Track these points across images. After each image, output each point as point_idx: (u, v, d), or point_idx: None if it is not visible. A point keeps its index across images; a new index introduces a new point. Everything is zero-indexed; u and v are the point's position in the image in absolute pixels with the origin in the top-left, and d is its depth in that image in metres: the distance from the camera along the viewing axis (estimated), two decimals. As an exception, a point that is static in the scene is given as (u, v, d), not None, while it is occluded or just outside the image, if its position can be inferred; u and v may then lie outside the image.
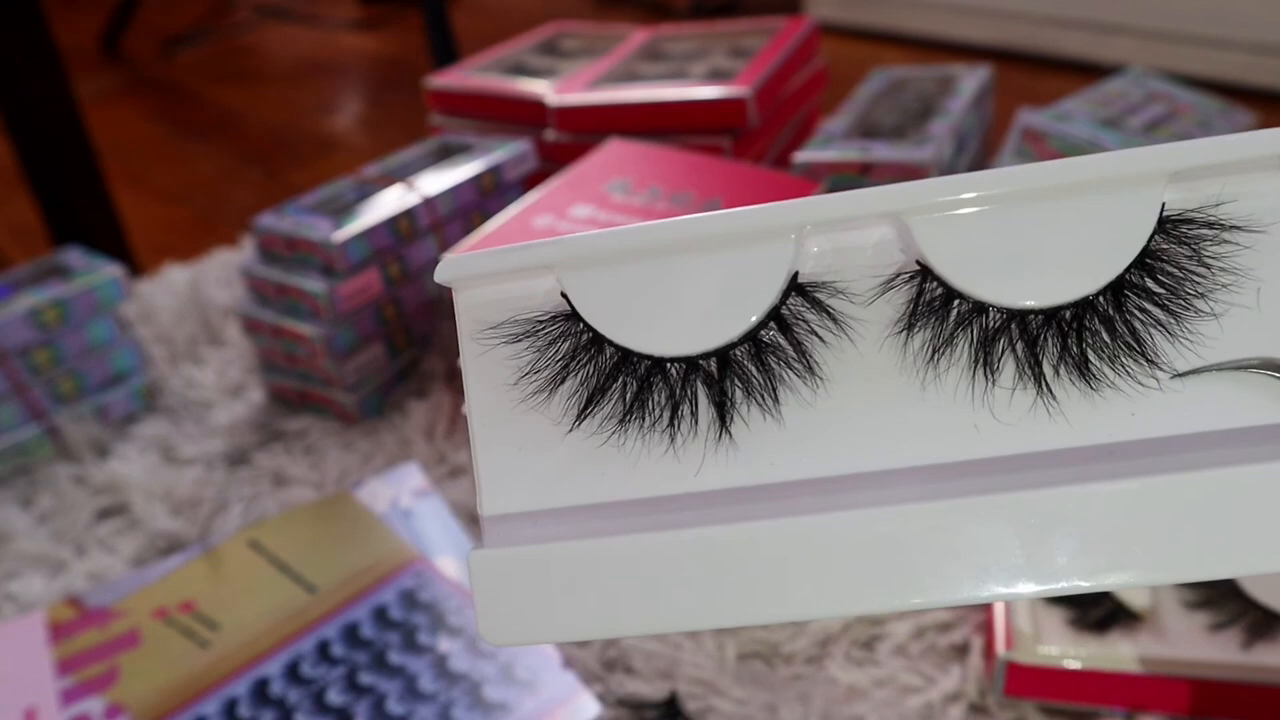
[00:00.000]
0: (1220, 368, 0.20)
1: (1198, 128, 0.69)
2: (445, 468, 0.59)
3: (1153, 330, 0.21)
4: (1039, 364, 0.21)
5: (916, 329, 0.21)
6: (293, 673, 0.47)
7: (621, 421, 0.22)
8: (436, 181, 0.67)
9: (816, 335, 0.21)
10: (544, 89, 0.74)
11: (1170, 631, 0.40)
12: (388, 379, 0.66)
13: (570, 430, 0.22)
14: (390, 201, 0.64)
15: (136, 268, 0.91)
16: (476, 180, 0.67)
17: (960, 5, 1.27)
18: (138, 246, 0.96)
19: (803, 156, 0.66)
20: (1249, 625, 0.39)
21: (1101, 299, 0.20)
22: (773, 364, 0.21)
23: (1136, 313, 0.20)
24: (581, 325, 0.22)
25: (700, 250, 0.21)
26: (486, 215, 0.68)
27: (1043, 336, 0.21)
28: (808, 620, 0.22)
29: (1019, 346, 0.21)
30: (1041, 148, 0.67)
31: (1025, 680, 0.40)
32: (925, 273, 0.21)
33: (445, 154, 0.73)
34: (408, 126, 1.23)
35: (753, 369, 0.22)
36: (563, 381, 0.22)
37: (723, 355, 0.21)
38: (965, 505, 0.20)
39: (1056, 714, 0.41)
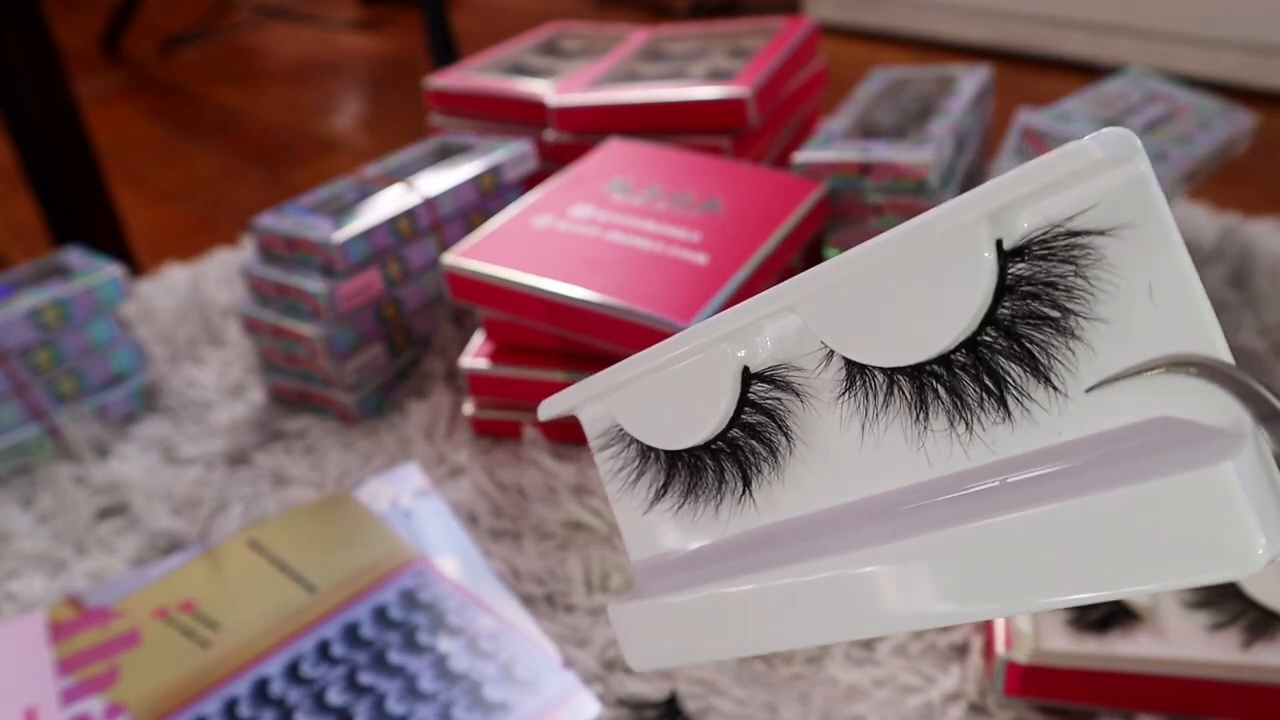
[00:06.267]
0: (1125, 375, 0.20)
1: (1197, 128, 0.69)
2: (445, 468, 0.59)
3: (1050, 351, 0.21)
4: (963, 405, 0.22)
5: (855, 389, 0.24)
6: (293, 672, 0.47)
7: (682, 498, 0.28)
8: (436, 181, 0.67)
9: (787, 408, 0.26)
10: (544, 89, 0.74)
11: (1170, 631, 0.40)
12: (388, 379, 0.66)
13: (646, 511, 0.29)
14: (390, 201, 0.64)
15: (136, 268, 0.91)
16: (476, 180, 0.67)
17: (960, 5, 1.27)
18: (138, 246, 0.96)
19: (803, 156, 0.66)
20: (1249, 625, 0.39)
21: (986, 336, 0.21)
22: (765, 436, 0.26)
23: (1031, 339, 0.21)
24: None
25: (670, 367, 0.27)
26: (486, 215, 0.68)
27: (951, 382, 0.22)
28: (833, 643, 0.25)
29: (941, 391, 0.22)
30: (1041, 148, 0.67)
31: (1025, 680, 0.40)
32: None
33: (445, 154, 0.73)
34: (408, 126, 1.23)
35: (754, 443, 0.26)
36: (644, 474, 0.29)
37: (725, 439, 0.27)
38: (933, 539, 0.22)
39: (1056, 714, 0.41)
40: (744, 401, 0.26)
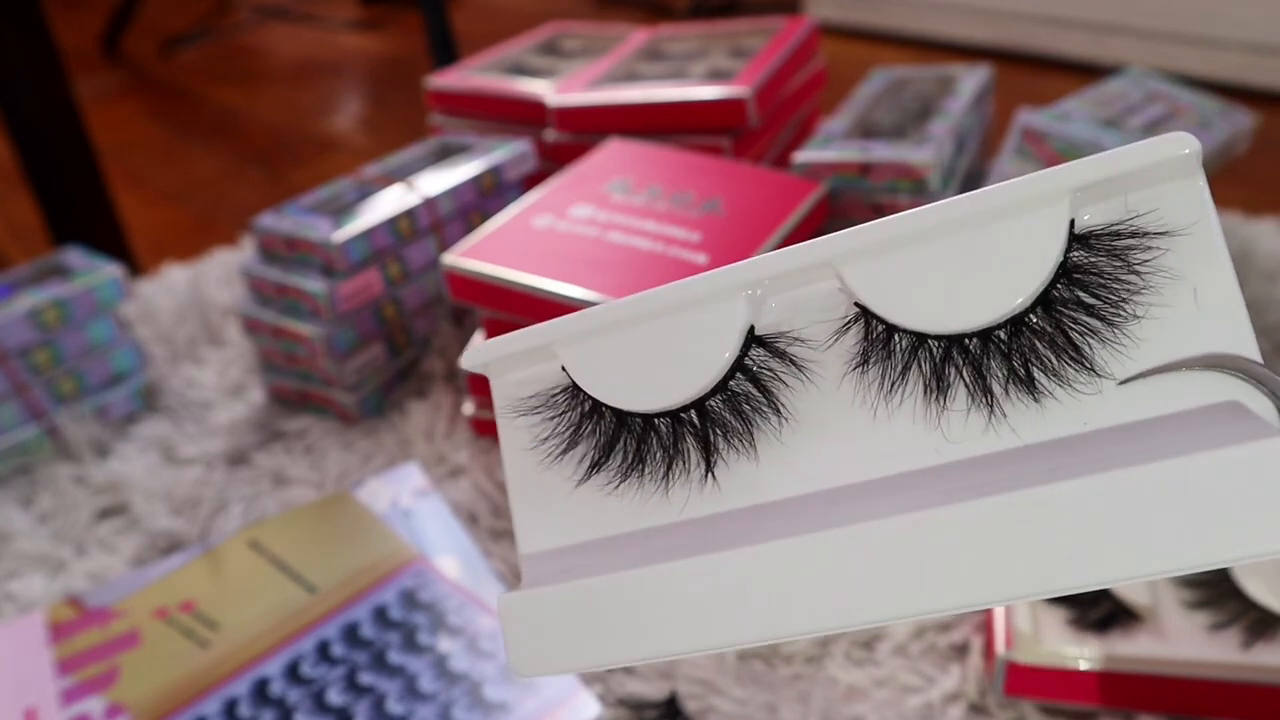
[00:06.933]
0: (1165, 369, 0.21)
1: (1198, 128, 0.69)
2: (445, 468, 0.59)
3: (1093, 340, 0.21)
4: (987, 385, 0.22)
5: (870, 364, 0.23)
6: (293, 673, 0.47)
7: (623, 474, 0.25)
8: (436, 181, 0.67)
9: (781, 380, 0.24)
10: (544, 89, 0.74)
11: (1170, 631, 0.40)
12: (388, 379, 0.66)
13: (579, 485, 0.26)
14: (390, 201, 0.64)
15: (136, 268, 0.91)
16: (476, 180, 0.67)
17: (960, 5, 1.27)
18: (138, 246, 0.96)
19: (803, 156, 0.66)
20: (1249, 625, 0.39)
21: (1033, 316, 0.21)
22: (746, 409, 0.24)
23: (1074, 325, 0.21)
24: (583, 395, 0.25)
25: (665, 316, 0.24)
26: (486, 215, 0.68)
27: (984, 359, 0.22)
28: (782, 639, 0.23)
29: (965, 370, 0.22)
30: (1041, 148, 0.67)
31: (1025, 680, 0.40)
32: (866, 312, 0.23)
33: (445, 154, 0.73)
34: (408, 126, 1.23)
35: (729, 416, 0.24)
36: (575, 445, 0.26)
37: (700, 406, 0.24)
38: (932, 515, 0.20)
39: (1056, 714, 0.41)
40: (737, 365, 0.24)
